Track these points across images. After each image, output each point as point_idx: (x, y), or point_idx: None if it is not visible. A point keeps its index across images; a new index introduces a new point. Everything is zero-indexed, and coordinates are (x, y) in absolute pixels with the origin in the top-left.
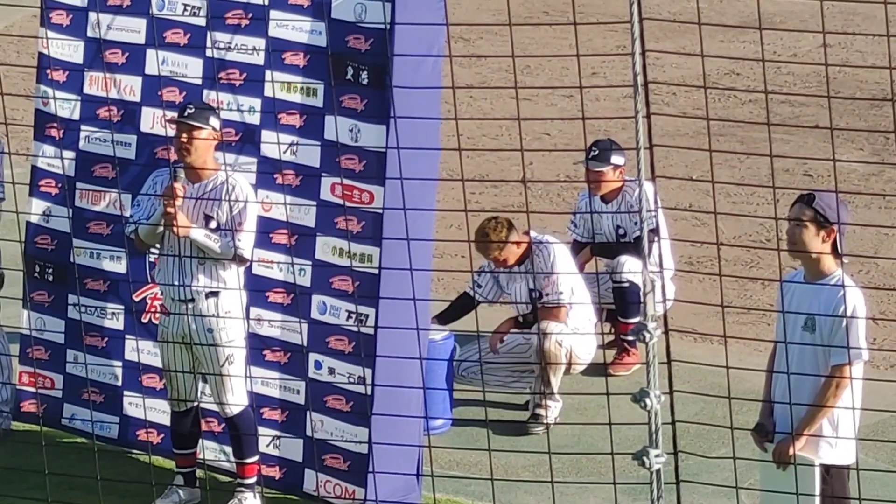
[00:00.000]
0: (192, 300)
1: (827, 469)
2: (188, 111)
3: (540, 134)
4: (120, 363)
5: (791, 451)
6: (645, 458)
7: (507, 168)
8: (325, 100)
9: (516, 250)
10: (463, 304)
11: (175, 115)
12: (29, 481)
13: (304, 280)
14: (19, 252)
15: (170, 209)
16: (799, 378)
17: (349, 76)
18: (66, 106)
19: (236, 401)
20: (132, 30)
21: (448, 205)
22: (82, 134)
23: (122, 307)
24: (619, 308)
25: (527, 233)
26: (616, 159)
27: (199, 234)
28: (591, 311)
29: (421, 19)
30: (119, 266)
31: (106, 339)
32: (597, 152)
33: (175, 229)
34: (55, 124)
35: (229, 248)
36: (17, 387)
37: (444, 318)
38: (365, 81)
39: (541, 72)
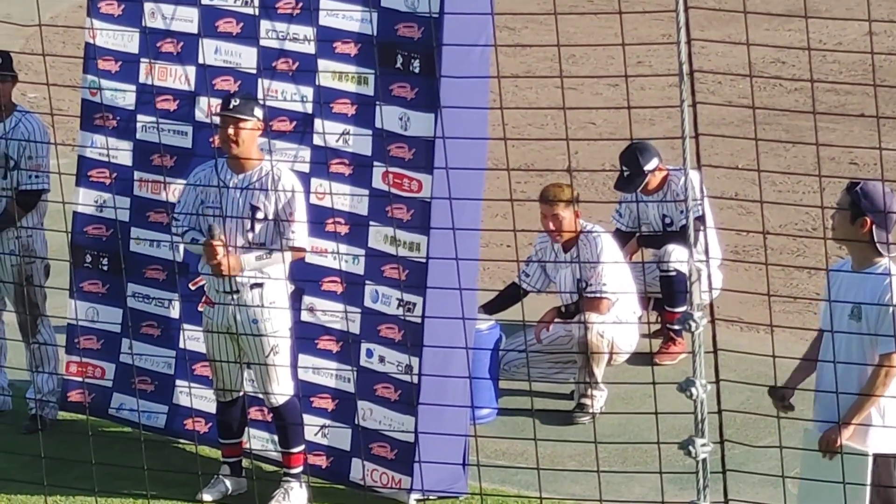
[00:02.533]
0: (237, 291)
1: (874, 458)
2: (233, 103)
3: (585, 123)
4: (173, 352)
5: (839, 441)
6: (691, 448)
7: (553, 157)
8: (375, 88)
9: (573, 222)
10: (511, 295)
11: (219, 105)
12: (76, 471)
13: (358, 269)
14: (65, 243)
15: (213, 262)
16: (845, 367)
17: (399, 64)
18: (120, 96)
19: (282, 391)
20: (185, 19)
21: (493, 194)
22: (139, 124)
23: (179, 296)
24: (666, 297)
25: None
26: (649, 165)
27: (251, 263)
28: (636, 302)
29: (469, 8)
30: (177, 255)
31: (161, 327)
32: (629, 172)
33: (227, 274)
34: (108, 114)
35: (283, 251)
36: (64, 376)
37: (491, 307)
38: (416, 70)
39: (586, 61)
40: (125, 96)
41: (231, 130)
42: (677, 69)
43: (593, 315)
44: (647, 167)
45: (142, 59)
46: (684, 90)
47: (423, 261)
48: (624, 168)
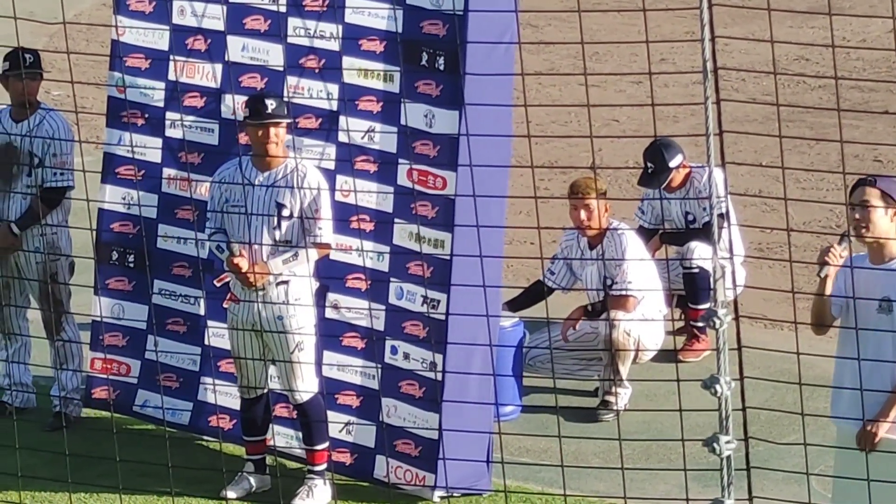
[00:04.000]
0: (263, 288)
1: None
2: (271, 107)
3: (609, 120)
4: (199, 349)
5: (879, 436)
6: (715, 445)
7: (576, 154)
8: (401, 85)
9: (602, 216)
10: (535, 292)
11: (245, 105)
12: (100, 468)
13: (383, 266)
14: (90, 240)
15: (241, 277)
16: (875, 362)
17: (424, 62)
18: (149, 93)
19: (306, 387)
20: (213, 17)
21: (517, 191)
22: (167, 121)
23: (204, 292)
24: (690, 294)
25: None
26: (674, 162)
27: (278, 267)
28: (661, 300)
29: (493, 6)
30: (202, 252)
31: (188, 324)
32: (653, 168)
33: (256, 285)
34: (136, 111)
35: (308, 249)
36: (89, 373)
37: (515, 304)
38: (441, 67)
39: (609, 58)
40: (154, 93)
41: (272, 132)
42: (701, 66)
43: (619, 313)
44: (672, 163)
45: (171, 57)
46: (708, 87)
47: (448, 258)
48: (648, 164)
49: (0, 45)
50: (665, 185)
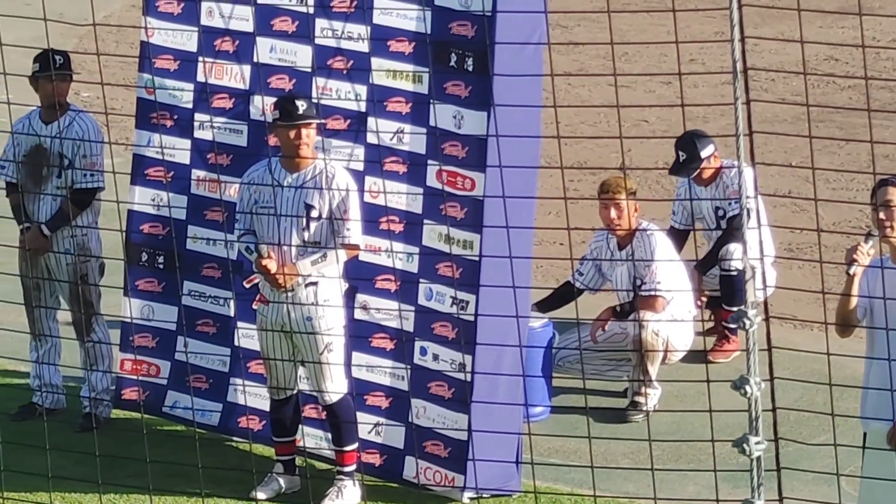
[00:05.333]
0: (292, 289)
1: None
2: (302, 108)
3: (638, 121)
4: (228, 350)
5: None
6: (745, 445)
7: (606, 155)
8: (430, 86)
9: (632, 216)
10: (564, 293)
11: (275, 106)
12: (130, 469)
13: (412, 266)
14: (120, 241)
15: (270, 279)
16: None
17: (453, 63)
18: (178, 94)
19: (335, 388)
20: (241, 18)
21: (546, 192)
22: (196, 122)
23: (233, 294)
24: (725, 296)
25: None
26: (706, 152)
27: (307, 268)
28: (691, 300)
29: (522, 6)
30: (231, 253)
31: (217, 325)
32: (685, 156)
33: (286, 287)
34: (165, 113)
35: (337, 250)
36: (119, 374)
37: (544, 305)
38: (470, 68)
39: (639, 58)
40: (183, 95)
41: (304, 134)
42: (731, 66)
43: (648, 313)
44: (703, 153)
45: (200, 58)
46: (738, 88)
47: (476, 259)
48: (680, 153)
49: (30, 46)
50: (696, 176)
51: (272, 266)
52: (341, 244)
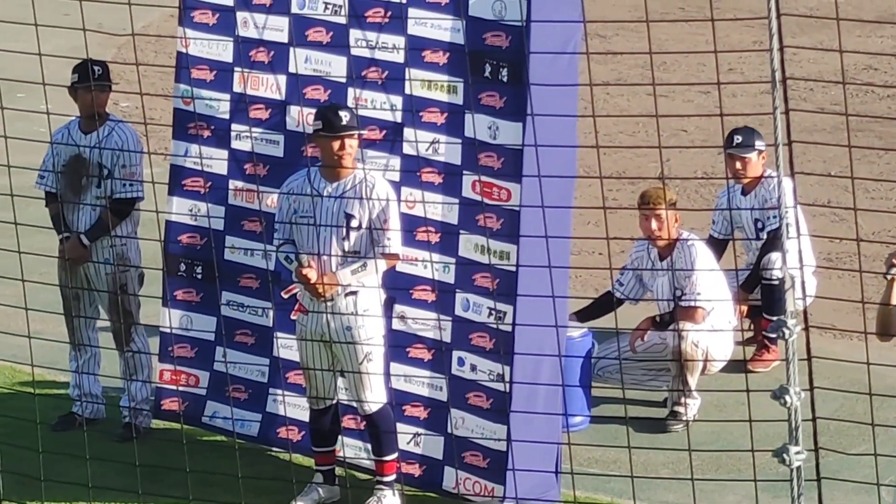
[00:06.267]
0: (331, 299)
1: None
2: (346, 118)
3: (677, 130)
4: (267, 360)
5: None
6: (785, 455)
7: (645, 164)
8: (465, 97)
9: (672, 226)
10: (604, 303)
11: (315, 117)
12: (170, 479)
13: (448, 277)
14: (159, 251)
15: (310, 288)
16: None
17: (487, 73)
18: (215, 105)
19: (375, 398)
20: (276, 28)
21: (585, 202)
22: (233, 133)
23: (271, 304)
24: (766, 305)
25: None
26: (760, 144)
27: (347, 277)
28: (731, 311)
29: (557, 16)
30: (270, 263)
31: (256, 336)
32: (741, 139)
33: (326, 297)
34: (202, 123)
35: (377, 259)
36: (158, 385)
37: (584, 315)
38: (504, 78)
39: (677, 68)
40: (220, 105)
41: (347, 145)
42: (770, 76)
43: (688, 324)
44: (758, 144)
45: (235, 68)
46: (777, 97)
47: (513, 269)
48: (736, 136)
49: (69, 56)
50: (746, 176)
51: (312, 275)
52: (381, 254)
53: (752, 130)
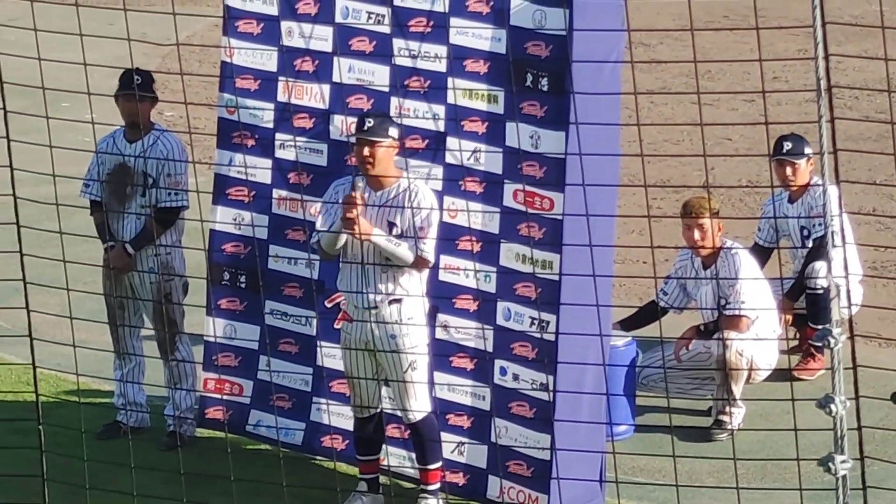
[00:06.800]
0: (375, 307)
1: None
2: (367, 125)
3: (721, 139)
4: (311, 369)
5: None
6: (830, 464)
7: (689, 173)
8: (505, 106)
9: (716, 235)
10: (648, 312)
11: (354, 124)
12: (215, 487)
13: (490, 286)
14: (203, 260)
15: (349, 215)
16: None
17: (528, 83)
18: (259, 114)
19: (419, 407)
20: (321, 38)
21: (629, 210)
22: (277, 142)
23: (315, 313)
24: (811, 314)
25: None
26: (808, 151)
27: (380, 238)
28: (775, 319)
29: (600, 25)
30: (314, 272)
31: (299, 344)
32: (790, 145)
33: (356, 234)
34: (245, 132)
35: (412, 250)
36: (202, 394)
37: (628, 324)
38: (545, 88)
39: (722, 76)
40: (264, 114)
41: (366, 151)
42: (815, 84)
43: (732, 333)
44: (807, 150)
45: (280, 78)
46: (822, 105)
47: (556, 278)
48: (785, 143)
49: (114, 66)
50: (789, 184)
51: (359, 206)
52: (416, 253)
53: (800, 137)
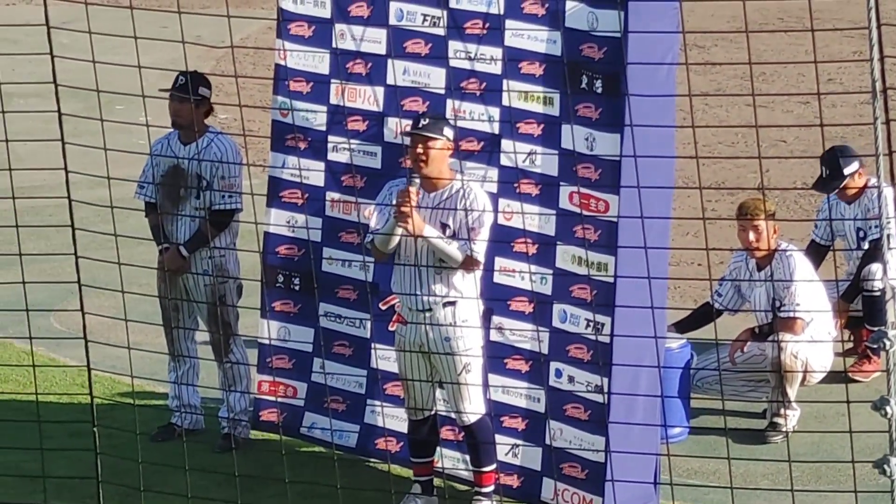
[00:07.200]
0: (430, 310)
1: None
2: (422, 122)
3: (776, 141)
4: (365, 372)
5: None
6: (886, 467)
7: (744, 175)
8: (560, 108)
9: (771, 237)
10: (703, 314)
11: (409, 125)
12: (270, 490)
13: (546, 289)
14: (257, 263)
15: (403, 209)
16: None
17: (583, 85)
18: (311, 117)
19: (474, 409)
20: (374, 40)
21: (684, 212)
22: (330, 144)
23: (369, 315)
24: (867, 316)
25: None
26: (849, 169)
27: (432, 233)
28: (830, 321)
29: (654, 27)
30: (368, 275)
31: (353, 347)
32: (828, 172)
33: (408, 228)
34: (299, 135)
35: (463, 249)
36: (257, 396)
37: (683, 326)
38: (599, 90)
39: (776, 78)
40: (317, 117)
41: (420, 149)
42: (870, 86)
43: (787, 335)
44: (846, 170)
45: (332, 80)
46: (877, 107)
47: (611, 280)
48: (823, 169)
49: (168, 69)
50: (841, 192)
51: (414, 199)
52: (465, 253)
53: (839, 156)
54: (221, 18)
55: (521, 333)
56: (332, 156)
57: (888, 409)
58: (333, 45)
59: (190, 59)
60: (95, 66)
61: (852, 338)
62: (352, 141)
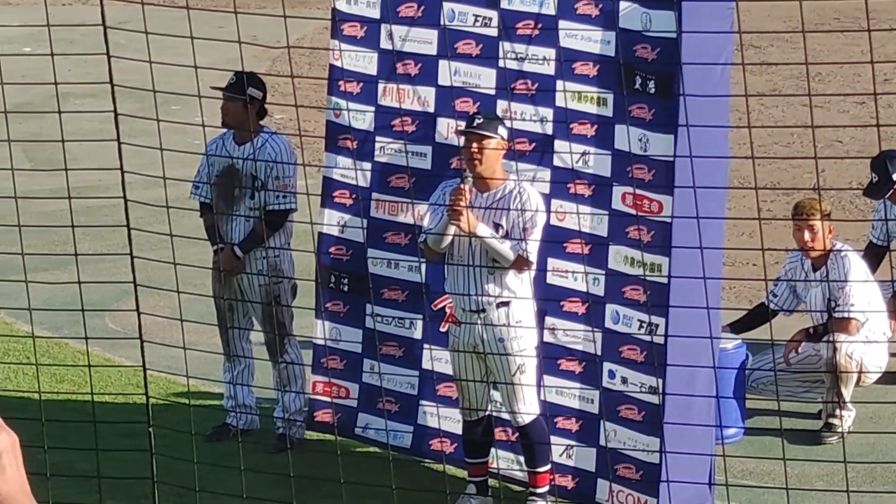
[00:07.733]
0: (483, 310)
1: None
2: (476, 121)
3: (832, 141)
4: (416, 372)
5: None
6: None
7: (799, 175)
8: (614, 109)
9: (826, 237)
10: (758, 314)
11: (461, 124)
12: (324, 490)
13: (598, 289)
14: (312, 263)
15: (456, 207)
16: None
17: (637, 85)
18: (360, 117)
19: (528, 410)
20: (424, 41)
21: (739, 213)
22: (377, 145)
23: (420, 316)
24: None
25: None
26: None
27: (485, 231)
28: (886, 322)
29: (708, 27)
30: (417, 275)
31: (403, 348)
32: (877, 178)
33: (461, 226)
34: (349, 136)
35: (515, 249)
36: (311, 396)
37: (738, 326)
38: (652, 90)
39: (832, 79)
40: (365, 118)
41: (474, 147)
42: None
43: (842, 336)
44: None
45: (380, 81)
46: None
47: (665, 281)
48: (873, 175)
49: (224, 69)
50: (892, 195)
51: (467, 196)
52: (516, 252)
53: (889, 161)
54: (278, 19)
55: (573, 334)
56: (379, 156)
57: None
58: (382, 46)
59: (246, 60)
60: (151, 67)
61: None
62: (401, 142)
